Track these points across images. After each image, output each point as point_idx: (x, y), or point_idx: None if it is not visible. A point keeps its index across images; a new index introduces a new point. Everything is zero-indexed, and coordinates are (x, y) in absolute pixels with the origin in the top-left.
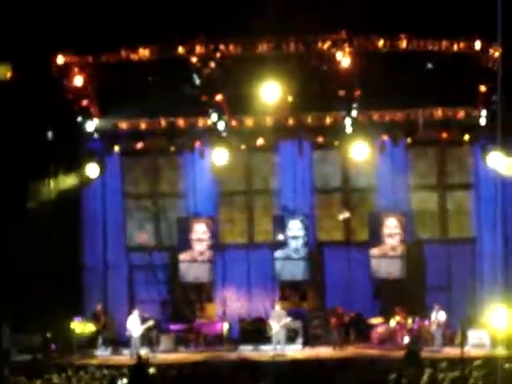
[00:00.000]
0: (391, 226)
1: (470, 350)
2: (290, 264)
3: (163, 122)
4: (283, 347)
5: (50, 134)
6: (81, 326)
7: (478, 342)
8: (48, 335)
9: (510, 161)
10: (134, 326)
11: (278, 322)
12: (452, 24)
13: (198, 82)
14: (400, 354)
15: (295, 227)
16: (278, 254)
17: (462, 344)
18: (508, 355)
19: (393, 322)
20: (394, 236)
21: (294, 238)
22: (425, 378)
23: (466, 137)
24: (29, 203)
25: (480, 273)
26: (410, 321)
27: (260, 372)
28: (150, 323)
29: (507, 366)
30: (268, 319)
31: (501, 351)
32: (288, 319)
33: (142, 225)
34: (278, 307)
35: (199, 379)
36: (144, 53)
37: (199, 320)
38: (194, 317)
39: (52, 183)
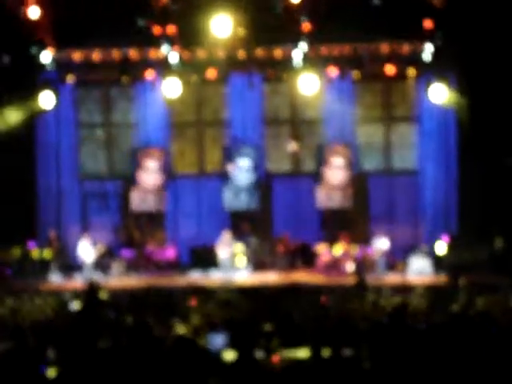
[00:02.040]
0: (337, 157)
1: (412, 278)
2: (240, 194)
3: (116, 53)
4: (231, 273)
5: (3, 61)
6: (34, 252)
7: (421, 269)
8: (3, 260)
9: (452, 94)
10: (86, 251)
11: (227, 248)
12: None
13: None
14: (344, 280)
15: (245, 158)
16: (228, 184)
17: (404, 271)
18: (448, 282)
19: (337, 250)
20: (339, 167)
21: (244, 168)
22: (368, 303)
23: (411, 71)
24: None
25: (422, 203)
26: (354, 249)
27: (209, 297)
28: (100, 247)
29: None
30: (217, 246)
31: (442, 278)
32: (236, 246)
33: (94, 154)
34: (226, 234)
35: (150, 304)
36: None
37: (150, 246)
38: (146, 243)
39: (5, 112)
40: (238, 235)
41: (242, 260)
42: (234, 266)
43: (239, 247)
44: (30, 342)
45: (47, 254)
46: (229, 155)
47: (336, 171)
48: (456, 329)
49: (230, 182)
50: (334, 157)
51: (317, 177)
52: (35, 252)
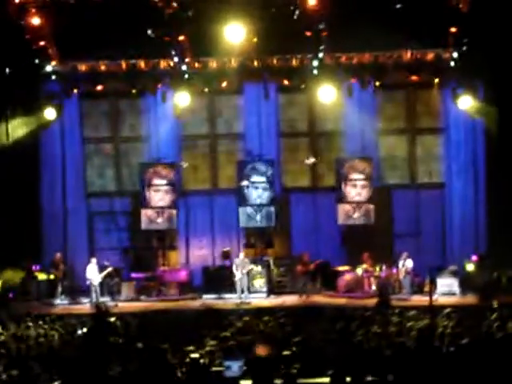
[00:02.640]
0: (358, 171)
1: (440, 298)
2: (255, 211)
3: (124, 64)
4: (247, 295)
5: (6, 75)
6: (39, 275)
7: (448, 289)
8: (6, 283)
9: (479, 103)
10: (93, 274)
11: (242, 269)
12: None
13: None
14: (367, 302)
15: (260, 173)
16: (243, 200)
17: (431, 292)
18: (478, 303)
19: (360, 270)
20: (361, 181)
21: (259, 183)
22: (392, 326)
23: (436, 80)
24: None
25: (449, 219)
26: (377, 268)
27: (225, 320)
28: (109, 270)
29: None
30: (232, 267)
31: (471, 299)
32: (252, 267)
33: (101, 170)
34: (241, 255)
35: (161, 328)
36: None
37: (161, 268)
38: (156, 265)
39: (9, 126)
40: (254, 255)
41: (258, 281)
42: (250, 287)
43: (255, 268)
44: (35, 370)
45: (52, 276)
46: (243, 170)
47: (357, 186)
48: (486, 351)
49: (245, 199)
50: (354, 171)
51: (337, 192)
52: (40, 275)
